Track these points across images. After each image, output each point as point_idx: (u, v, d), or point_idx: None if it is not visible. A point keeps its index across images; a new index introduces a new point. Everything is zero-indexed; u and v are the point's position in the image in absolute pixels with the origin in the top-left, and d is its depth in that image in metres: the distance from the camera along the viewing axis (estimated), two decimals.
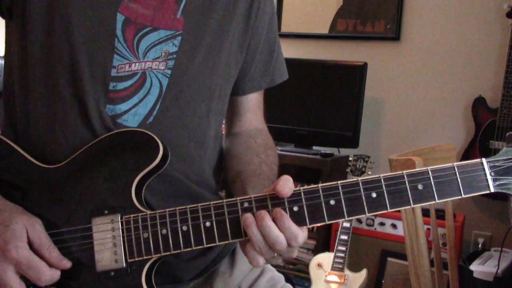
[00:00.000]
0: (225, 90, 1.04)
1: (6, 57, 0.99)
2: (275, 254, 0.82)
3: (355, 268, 2.55)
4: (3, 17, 0.97)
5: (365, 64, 2.88)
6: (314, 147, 3.04)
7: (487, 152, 2.65)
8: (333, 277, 2.49)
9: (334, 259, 2.52)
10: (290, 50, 3.22)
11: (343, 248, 2.52)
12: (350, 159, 2.72)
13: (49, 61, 0.90)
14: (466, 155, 2.76)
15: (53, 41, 0.90)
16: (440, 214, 2.14)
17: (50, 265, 0.83)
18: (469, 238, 2.83)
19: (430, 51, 2.96)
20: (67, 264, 0.84)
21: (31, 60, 0.91)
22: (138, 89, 0.92)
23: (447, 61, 2.92)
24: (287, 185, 0.81)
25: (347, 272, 2.50)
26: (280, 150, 2.96)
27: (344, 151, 3.03)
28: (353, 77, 2.89)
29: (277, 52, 1.14)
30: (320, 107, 2.96)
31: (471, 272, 2.23)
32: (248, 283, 1.06)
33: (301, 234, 0.80)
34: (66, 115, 0.91)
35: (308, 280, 2.58)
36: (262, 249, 0.80)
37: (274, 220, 0.80)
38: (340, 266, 2.50)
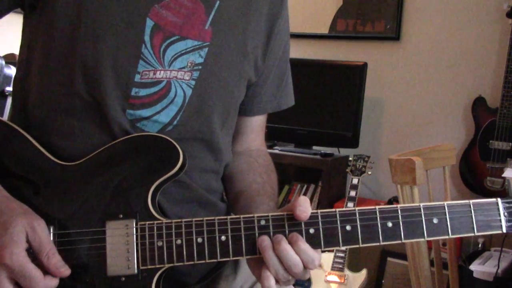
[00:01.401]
0: (238, 107, 1.05)
1: (22, 51, 0.97)
2: (290, 278, 0.82)
3: (355, 268, 2.55)
4: (23, 9, 0.94)
5: (365, 64, 2.88)
6: (314, 147, 3.03)
7: (487, 152, 2.65)
8: (333, 277, 2.49)
9: (334, 259, 2.52)
10: (290, 50, 3.22)
11: (343, 248, 2.52)
12: (350, 159, 2.72)
13: (71, 60, 0.88)
14: (466, 155, 2.76)
15: (78, 41, 0.87)
16: None
17: (48, 271, 0.80)
18: (469, 238, 2.83)
19: (430, 51, 2.96)
20: (65, 272, 0.81)
21: (52, 56, 0.89)
22: (162, 98, 0.91)
23: (447, 61, 2.92)
24: (307, 209, 0.81)
25: (347, 272, 2.50)
26: (280, 150, 2.96)
27: (344, 151, 3.02)
28: (353, 77, 2.89)
29: (287, 77, 1.14)
30: (320, 107, 2.96)
31: (471, 272, 2.22)
32: (249, 284, 1.06)
33: (317, 256, 0.81)
34: (82, 116, 0.89)
35: (308, 280, 2.59)
36: (278, 273, 0.80)
37: (290, 244, 0.80)
38: (340, 266, 2.50)
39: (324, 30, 3.22)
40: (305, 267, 0.81)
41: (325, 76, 2.99)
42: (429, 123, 2.98)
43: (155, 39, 0.89)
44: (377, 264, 2.69)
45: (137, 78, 0.89)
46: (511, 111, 2.57)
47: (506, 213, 0.82)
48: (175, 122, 0.92)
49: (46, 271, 0.80)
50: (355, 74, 2.88)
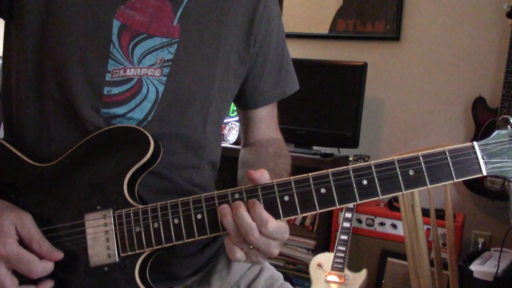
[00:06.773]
0: (222, 103, 1.04)
1: (5, 58, 0.99)
2: (251, 247, 0.81)
3: (355, 268, 2.55)
4: (4, 19, 0.97)
5: (365, 64, 2.88)
6: (314, 147, 3.03)
7: None
8: (333, 277, 2.49)
9: (334, 259, 2.52)
10: (290, 50, 3.22)
11: (343, 248, 2.52)
12: (350, 159, 2.72)
13: (42, 64, 0.91)
14: None
15: (47, 44, 0.90)
16: (440, 214, 2.14)
17: (42, 258, 0.83)
18: (469, 238, 2.83)
19: (430, 51, 2.96)
20: (58, 255, 0.84)
21: (25, 62, 0.92)
22: (135, 95, 0.92)
23: (447, 61, 2.92)
24: (259, 172, 0.82)
25: (347, 272, 2.50)
26: None
27: (344, 151, 3.02)
28: (353, 77, 2.89)
29: (287, 63, 1.13)
30: (320, 107, 2.95)
31: (471, 272, 2.22)
32: (247, 282, 1.06)
33: (271, 220, 0.79)
34: (57, 118, 0.92)
35: (308, 280, 2.59)
36: (236, 239, 0.80)
37: (248, 210, 0.80)
38: (340, 266, 2.50)
39: (324, 30, 3.22)
40: (260, 233, 0.79)
41: (325, 76, 2.99)
42: (429, 123, 2.98)
43: (123, 38, 0.91)
44: (377, 264, 2.69)
45: (108, 77, 0.91)
46: (511, 111, 2.57)
47: (484, 156, 0.79)
48: (149, 118, 0.94)
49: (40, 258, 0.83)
50: (355, 74, 2.88)
